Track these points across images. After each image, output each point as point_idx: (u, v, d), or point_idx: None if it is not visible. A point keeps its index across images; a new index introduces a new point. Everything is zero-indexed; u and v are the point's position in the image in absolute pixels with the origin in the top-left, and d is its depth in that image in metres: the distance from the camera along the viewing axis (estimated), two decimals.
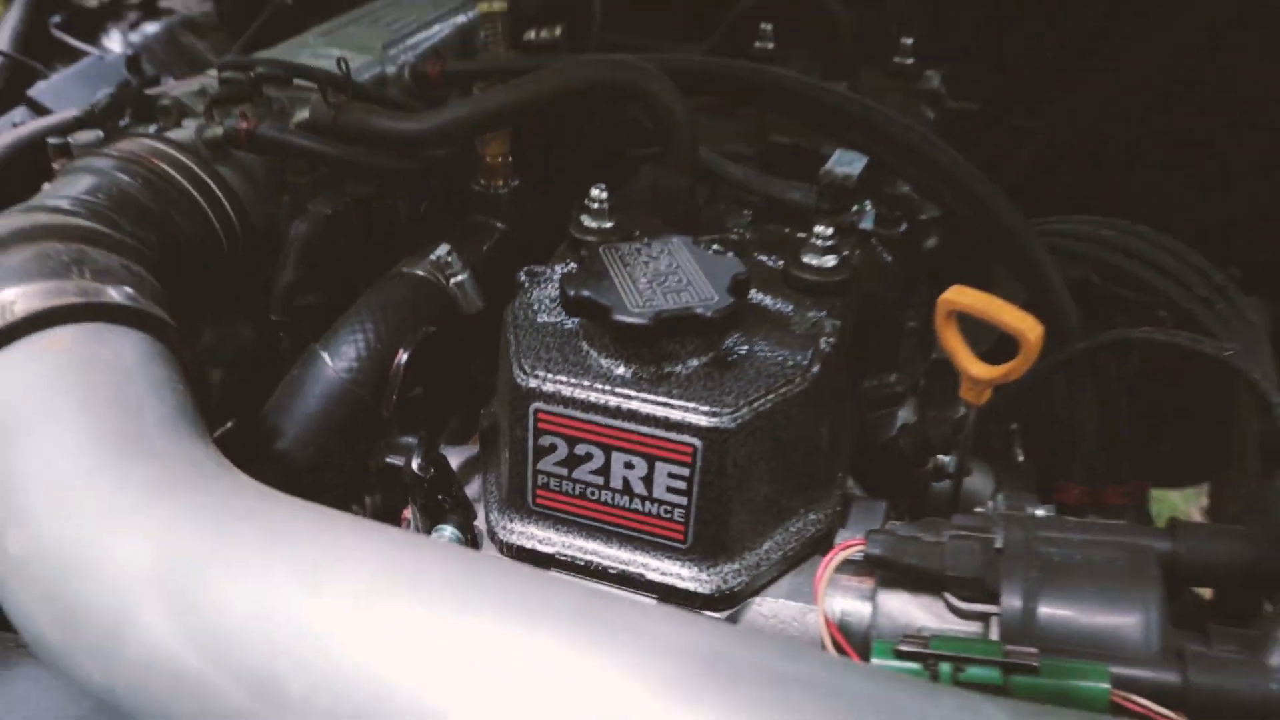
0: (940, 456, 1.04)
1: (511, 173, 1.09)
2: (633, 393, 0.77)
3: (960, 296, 0.79)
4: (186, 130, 1.00)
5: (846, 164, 1.00)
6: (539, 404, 0.79)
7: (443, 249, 1.00)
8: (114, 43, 1.69)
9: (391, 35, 1.21)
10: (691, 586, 0.79)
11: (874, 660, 0.68)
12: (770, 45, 1.39)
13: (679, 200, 0.98)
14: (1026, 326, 0.76)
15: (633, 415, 0.77)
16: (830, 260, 0.89)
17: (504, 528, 0.85)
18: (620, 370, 0.78)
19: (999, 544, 0.74)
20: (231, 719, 0.49)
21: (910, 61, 1.40)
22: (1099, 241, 0.94)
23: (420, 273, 0.99)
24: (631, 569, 0.80)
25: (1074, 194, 1.43)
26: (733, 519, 0.79)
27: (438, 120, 0.95)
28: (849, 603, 0.78)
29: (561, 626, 0.47)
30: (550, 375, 0.79)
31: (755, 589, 0.82)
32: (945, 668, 0.65)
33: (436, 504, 0.89)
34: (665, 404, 0.76)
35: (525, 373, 0.79)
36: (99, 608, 0.52)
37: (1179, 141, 1.50)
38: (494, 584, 0.51)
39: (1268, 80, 1.41)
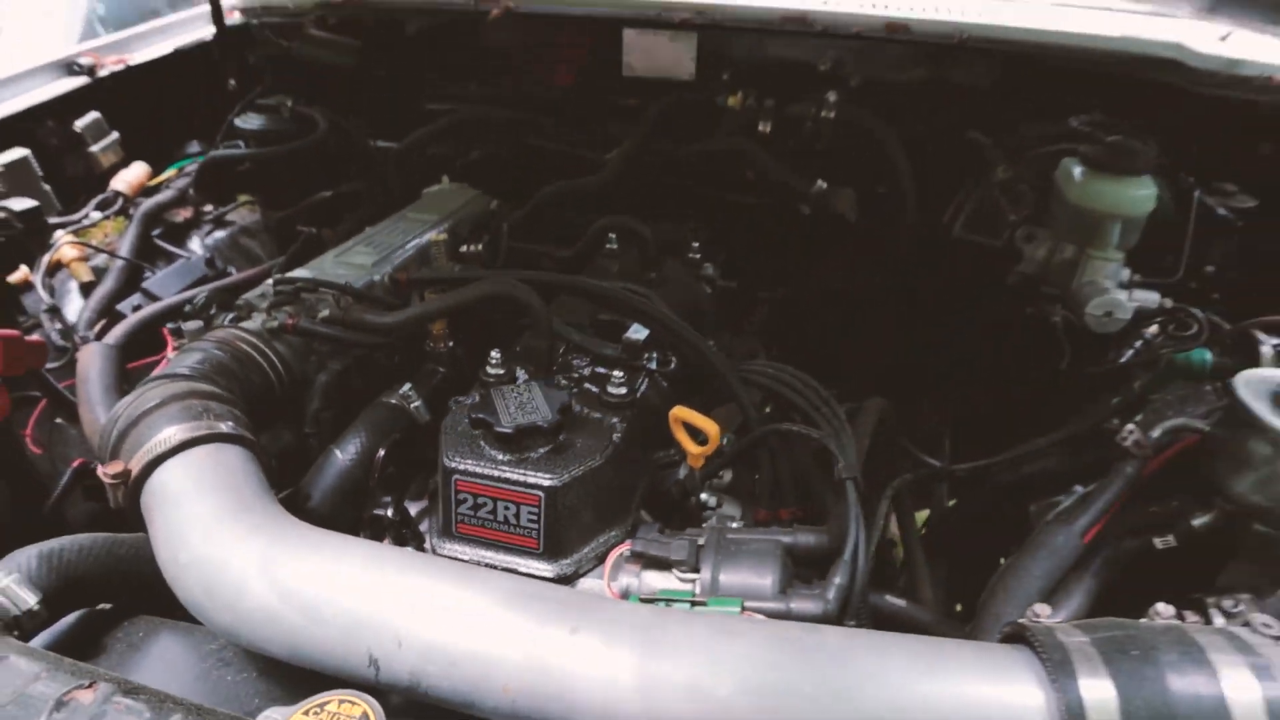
0: (701, 495, 1.37)
1: (448, 338, 1.42)
2: (506, 469, 1.09)
3: (681, 412, 1.14)
4: (255, 321, 1.29)
5: (637, 332, 1.36)
6: (457, 476, 1.11)
7: (406, 387, 1.32)
8: (195, 245, 1.89)
9: (378, 255, 1.50)
10: (542, 574, 1.10)
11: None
12: (615, 247, 1.75)
13: (542, 355, 1.32)
14: (711, 431, 1.12)
15: (506, 480, 1.09)
16: (623, 390, 1.24)
17: (441, 546, 1.15)
18: (500, 457, 1.10)
19: (702, 541, 1.08)
20: (297, 636, 0.79)
21: (697, 256, 1.78)
22: (768, 377, 1.31)
23: (393, 400, 1.30)
24: (512, 565, 1.11)
25: (781, 336, 1.83)
26: (565, 535, 1.10)
27: (400, 317, 1.28)
28: (627, 579, 1.10)
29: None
30: (462, 460, 1.11)
31: (581, 574, 1.13)
32: (661, 604, 0.97)
33: (402, 536, 1.20)
34: (523, 473, 1.08)
35: (449, 459, 1.11)
36: (233, 586, 0.81)
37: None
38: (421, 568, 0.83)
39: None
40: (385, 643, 0.75)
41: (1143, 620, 0.82)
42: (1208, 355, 1.38)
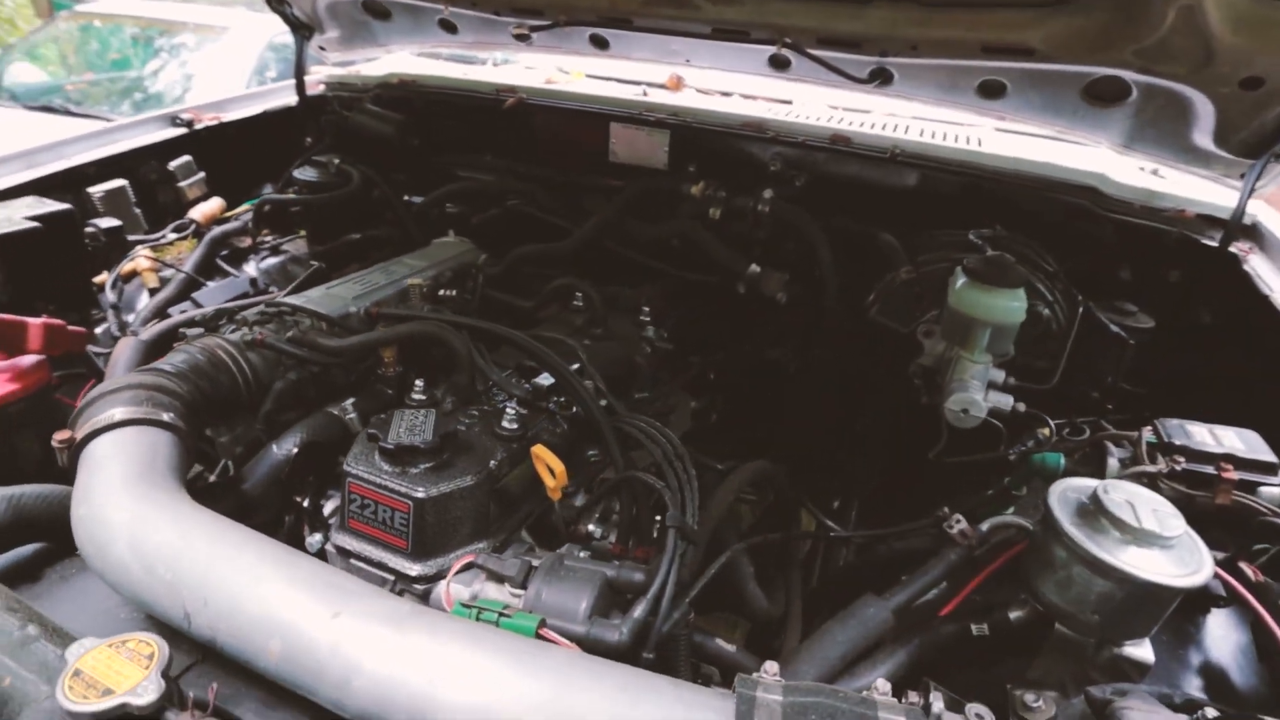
0: (589, 527, 1.41)
1: (398, 364, 1.51)
2: (388, 479, 1.16)
3: (540, 451, 1.20)
4: (237, 334, 1.43)
5: (546, 379, 1.43)
6: (350, 478, 1.19)
7: (349, 400, 1.42)
8: (250, 268, 2.08)
9: (362, 291, 1.64)
10: (407, 571, 1.16)
11: (454, 611, 1.03)
12: (580, 304, 1.82)
13: (463, 389, 1.40)
14: (558, 469, 1.17)
15: (386, 487, 1.16)
16: (514, 426, 1.30)
17: (336, 536, 1.23)
18: (386, 467, 1.18)
19: (536, 563, 1.12)
20: (138, 586, 0.87)
21: (647, 319, 1.84)
22: (640, 431, 1.34)
23: (334, 411, 1.40)
24: (384, 560, 1.18)
25: (711, 394, 1.85)
26: (431, 540, 1.16)
27: (347, 343, 1.39)
28: (475, 585, 1.14)
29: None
30: (357, 465, 1.19)
31: (444, 576, 1.18)
32: (473, 613, 1.01)
33: (312, 522, 1.29)
34: (400, 484, 1.15)
35: (348, 464, 1.20)
36: (106, 540, 0.91)
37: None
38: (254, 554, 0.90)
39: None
40: (195, 601, 0.83)
41: (863, 693, 0.82)
42: (1060, 459, 1.33)
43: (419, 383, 1.34)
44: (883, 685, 0.82)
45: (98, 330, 1.77)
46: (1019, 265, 1.40)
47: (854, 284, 1.77)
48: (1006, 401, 1.38)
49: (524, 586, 1.08)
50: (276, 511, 1.31)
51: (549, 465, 1.18)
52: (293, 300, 1.53)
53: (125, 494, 0.94)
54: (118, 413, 1.08)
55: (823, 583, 1.67)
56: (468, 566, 1.12)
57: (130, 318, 1.80)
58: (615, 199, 1.94)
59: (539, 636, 0.97)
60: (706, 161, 1.94)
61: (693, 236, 1.82)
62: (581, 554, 1.19)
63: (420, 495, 1.14)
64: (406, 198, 2.22)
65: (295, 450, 1.25)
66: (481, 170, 2.20)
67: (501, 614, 1.00)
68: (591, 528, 1.37)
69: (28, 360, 1.47)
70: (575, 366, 1.48)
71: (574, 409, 1.40)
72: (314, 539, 1.26)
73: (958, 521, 1.18)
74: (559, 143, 2.12)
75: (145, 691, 0.71)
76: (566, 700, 0.73)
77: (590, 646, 1.01)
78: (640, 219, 1.92)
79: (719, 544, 1.33)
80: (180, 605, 0.83)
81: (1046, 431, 1.52)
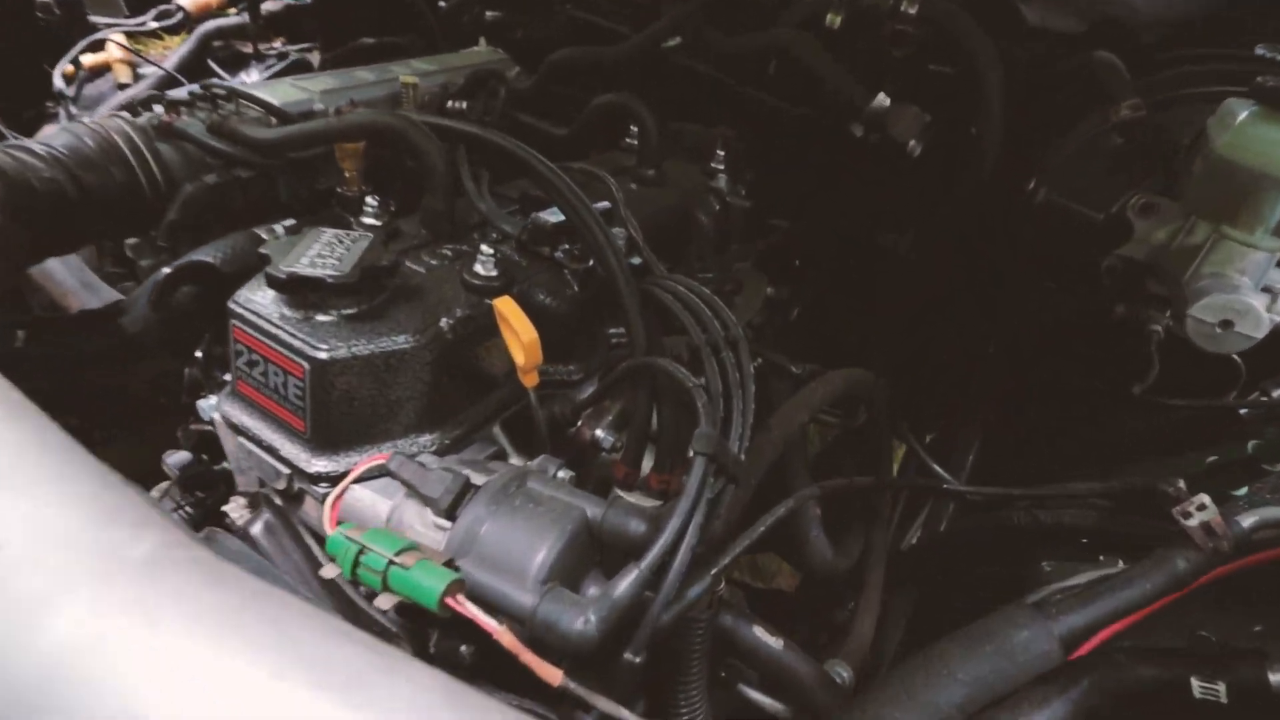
0: (596, 433, 0.97)
1: (362, 184, 1.08)
2: (280, 325, 0.75)
3: (503, 305, 0.74)
4: (144, 118, 1.03)
5: (552, 215, 0.96)
6: (235, 320, 0.78)
7: (286, 223, 1.00)
8: (251, 76, 1.71)
9: (337, 85, 1.19)
10: (301, 465, 0.76)
11: (328, 544, 0.61)
12: (634, 143, 1.32)
13: (438, 216, 0.95)
14: (526, 339, 0.71)
15: (276, 339, 0.75)
16: (491, 272, 0.85)
17: (224, 410, 0.84)
18: (286, 311, 0.76)
19: (480, 480, 0.69)
20: None
21: (720, 167, 1.31)
22: (675, 296, 0.86)
23: (260, 232, 0.98)
24: (275, 445, 0.78)
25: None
26: (339, 425, 0.75)
27: (276, 135, 0.96)
28: (395, 500, 0.73)
29: None
30: (244, 304, 0.78)
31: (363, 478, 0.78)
32: (349, 552, 0.60)
33: (200, 379, 0.91)
34: (293, 335, 0.74)
35: (234, 301, 0.78)
36: None
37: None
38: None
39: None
40: None
41: None
42: None
43: (373, 199, 0.91)
44: None
45: (44, 130, 1.42)
46: None
47: (1017, 148, 1.17)
48: None
49: (452, 516, 0.66)
50: (175, 360, 0.94)
51: (514, 327, 0.72)
52: (234, 84, 1.10)
53: None
54: None
55: (915, 550, 1.19)
56: (379, 471, 0.71)
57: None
58: None
59: (442, 608, 0.55)
60: None
61: (797, 53, 1.25)
62: (560, 474, 0.75)
63: (321, 356, 0.72)
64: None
65: (168, 272, 0.85)
66: None
67: (394, 560, 0.58)
68: (600, 433, 0.94)
69: None
70: (603, 206, 0.99)
71: (589, 261, 0.93)
72: (206, 404, 0.87)
73: (1201, 507, 0.66)
74: None
75: None
76: None
77: (537, 637, 0.59)
78: (724, 28, 1.35)
79: (780, 483, 0.87)
80: None
81: None
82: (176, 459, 0.96)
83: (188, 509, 0.93)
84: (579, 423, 0.95)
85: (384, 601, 0.58)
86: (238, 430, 0.82)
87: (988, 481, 1.17)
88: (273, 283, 0.73)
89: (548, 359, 0.96)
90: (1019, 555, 0.98)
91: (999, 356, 1.33)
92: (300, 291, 0.74)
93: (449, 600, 0.56)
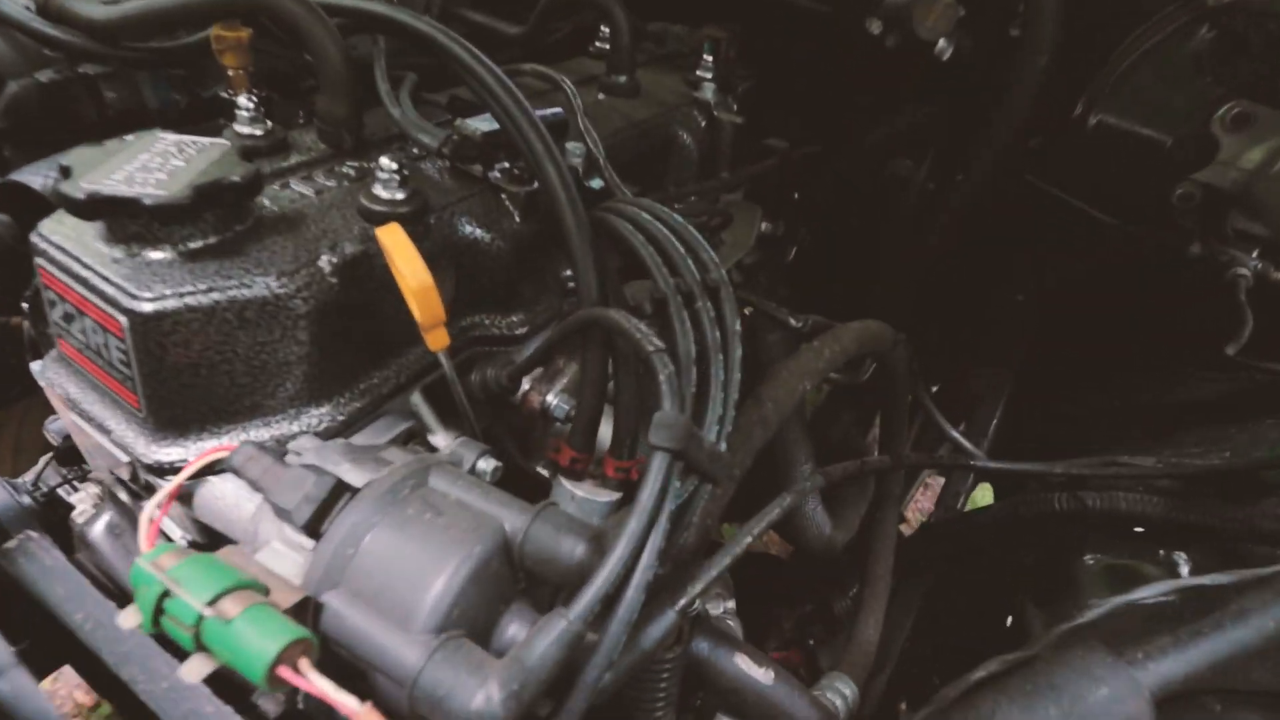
0: (548, 399, 0.78)
1: (250, 87, 0.85)
2: (91, 265, 0.54)
3: (386, 236, 0.53)
4: None
5: (482, 122, 0.74)
6: (39, 259, 0.57)
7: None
8: None
9: None
10: (135, 451, 0.57)
11: (131, 575, 0.43)
12: (605, 46, 1.09)
13: (337, 124, 0.73)
14: (414, 278, 0.51)
15: (88, 285, 0.54)
16: (396, 194, 0.64)
17: (48, 376, 0.64)
18: (98, 245, 0.56)
19: (361, 483, 0.50)
20: None
21: (707, 75, 1.08)
22: (639, 227, 0.65)
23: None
24: (107, 424, 0.59)
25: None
26: (180, 398, 0.56)
27: (113, 13, 0.73)
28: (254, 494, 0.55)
29: None
30: (47, 234, 0.57)
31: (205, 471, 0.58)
32: (152, 593, 0.41)
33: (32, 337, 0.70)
34: (105, 279, 0.53)
35: (37, 233, 0.57)
36: None
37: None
38: None
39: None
40: None
41: None
42: None
43: (248, 100, 0.69)
44: None
45: None
46: None
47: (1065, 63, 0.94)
48: None
49: (315, 533, 0.47)
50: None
51: (399, 267, 0.51)
52: None
53: None
54: None
55: (927, 532, 1.02)
56: (212, 468, 0.52)
57: None
58: None
59: (272, 681, 0.38)
60: None
61: None
62: (481, 465, 0.56)
63: (144, 307, 0.52)
64: None
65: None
66: None
67: (207, 611, 0.39)
68: (552, 400, 0.77)
69: None
70: (553, 113, 0.77)
71: (534, 184, 0.72)
72: (36, 367, 0.67)
73: None
74: None
75: None
76: None
77: (420, 716, 0.41)
78: None
79: (772, 461, 0.69)
80: None
81: None
82: (59, 425, 0.79)
83: (59, 489, 0.76)
84: (526, 388, 0.76)
85: (194, 669, 0.39)
86: (66, 403, 0.62)
87: (1010, 454, 0.99)
88: (68, 204, 0.52)
89: (484, 309, 0.77)
90: (1054, 545, 0.80)
91: (1028, 305, 1.14)
92: (117, 219, 0.53)
93: (282, 671, 0.38)
